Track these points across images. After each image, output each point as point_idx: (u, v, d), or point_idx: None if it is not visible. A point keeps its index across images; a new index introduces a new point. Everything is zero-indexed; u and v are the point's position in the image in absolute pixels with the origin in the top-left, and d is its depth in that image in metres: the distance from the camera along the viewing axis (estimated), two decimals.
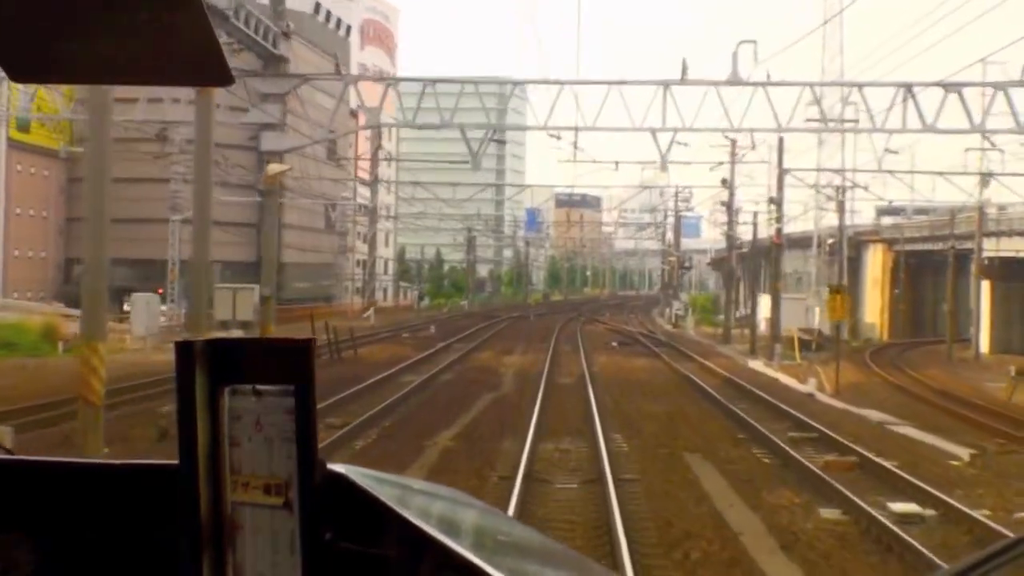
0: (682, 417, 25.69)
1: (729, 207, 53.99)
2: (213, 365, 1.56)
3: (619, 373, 36.99)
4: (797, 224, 77.90)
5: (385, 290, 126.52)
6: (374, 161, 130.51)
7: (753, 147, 43.40)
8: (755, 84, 27.98)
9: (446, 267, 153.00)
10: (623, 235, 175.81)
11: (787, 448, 20.45)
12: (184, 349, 1.57)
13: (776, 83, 28.09)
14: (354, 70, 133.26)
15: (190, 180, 54.68)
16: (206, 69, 1.42)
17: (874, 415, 27.14)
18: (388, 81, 32.74)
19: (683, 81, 27.91)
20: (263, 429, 1.55)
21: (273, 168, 27.46)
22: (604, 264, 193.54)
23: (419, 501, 1.64)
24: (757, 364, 42.77)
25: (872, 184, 51.28)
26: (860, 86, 27.61)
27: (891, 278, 79.31)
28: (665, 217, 78.95)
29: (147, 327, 45.27)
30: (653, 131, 28.80)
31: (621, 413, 26.15)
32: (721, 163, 51.67)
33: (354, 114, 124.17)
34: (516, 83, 28.19)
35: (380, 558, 1.54)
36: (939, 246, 70.19)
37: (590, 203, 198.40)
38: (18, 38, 1.37)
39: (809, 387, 32.51)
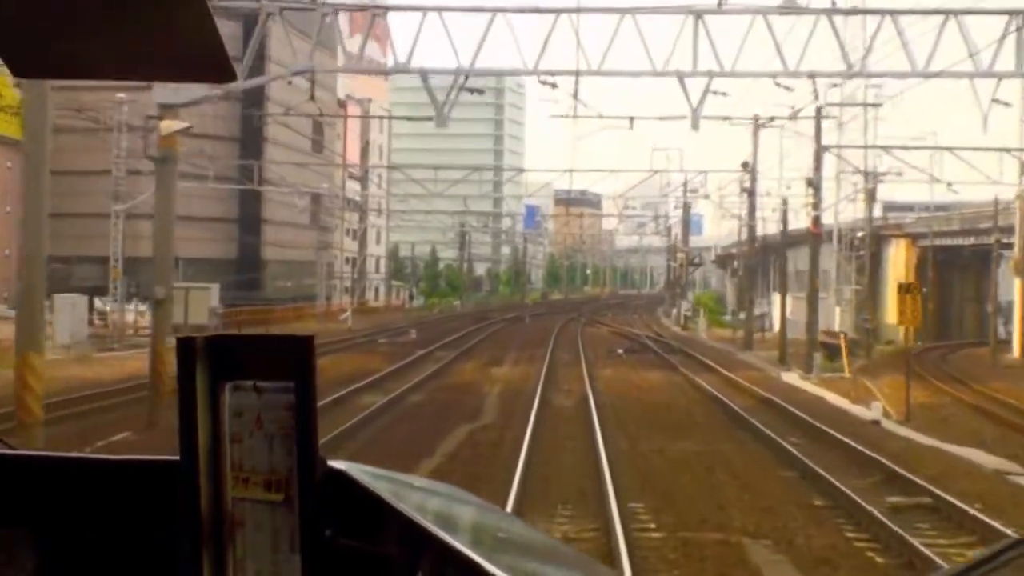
0: (723, 464, 18.43)
1: (753, 187, 46.68)
2: (214, 361, 1.57)
3: (630, 392, 29.77)
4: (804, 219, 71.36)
5: (377, 289, 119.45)
6: (364, 154, 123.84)
7: (787, 120, 36.00)
8: (817, 12, 20.70)
9: (442, 265, 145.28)
10: (625, 231, 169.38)
11: (897, 529, 13.23)
12: (185, 345, 1.57)
13: (845, 11, 20.94)
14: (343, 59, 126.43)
15: (141, 171, 48.81)
16: (208, 65, 1.41)
17: (979, 457, 19.88)
18: (374, 10, 25.21)
19: (720, 9, 20.65)
20: (264, 425, 1.54)
21: (168, 126, 20.13)
22: (604, 262, 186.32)
23: (419, 498, 1.64)
24: (791, 377, 35.51)
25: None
26: (958, 13, 20.19)
27: (916, 276, 73.13)
28: (673, 207, 71.52)
29: (72, 334, 38.04)
30: (680, 75, 21.34)
31: (640, 460, 18.84)
32: (772, 119, 42.55)
33: (343, 104, 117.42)
34: (496, 11, 20.81)
35: (380, 555, 1.54)
36: (970, 240, 64.13)
37: (590, 200, 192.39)
38: (21, 35, 1.36)
39: (872, 412, 25.23)
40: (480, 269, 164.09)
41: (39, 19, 1.32)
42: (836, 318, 61.11)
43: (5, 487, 1.74)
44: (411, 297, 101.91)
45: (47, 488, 1.75)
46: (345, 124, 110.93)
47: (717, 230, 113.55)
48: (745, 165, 46.13)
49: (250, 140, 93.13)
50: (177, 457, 1.59)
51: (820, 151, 36.14)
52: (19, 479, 1.77)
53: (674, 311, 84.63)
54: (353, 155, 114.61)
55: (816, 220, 35.65)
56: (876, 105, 46.81)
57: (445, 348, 43.37)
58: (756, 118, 45.49)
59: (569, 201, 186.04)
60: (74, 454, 1.85)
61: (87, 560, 1.73)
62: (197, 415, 1.56)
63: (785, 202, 47.77)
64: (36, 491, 1.76)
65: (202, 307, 45.29)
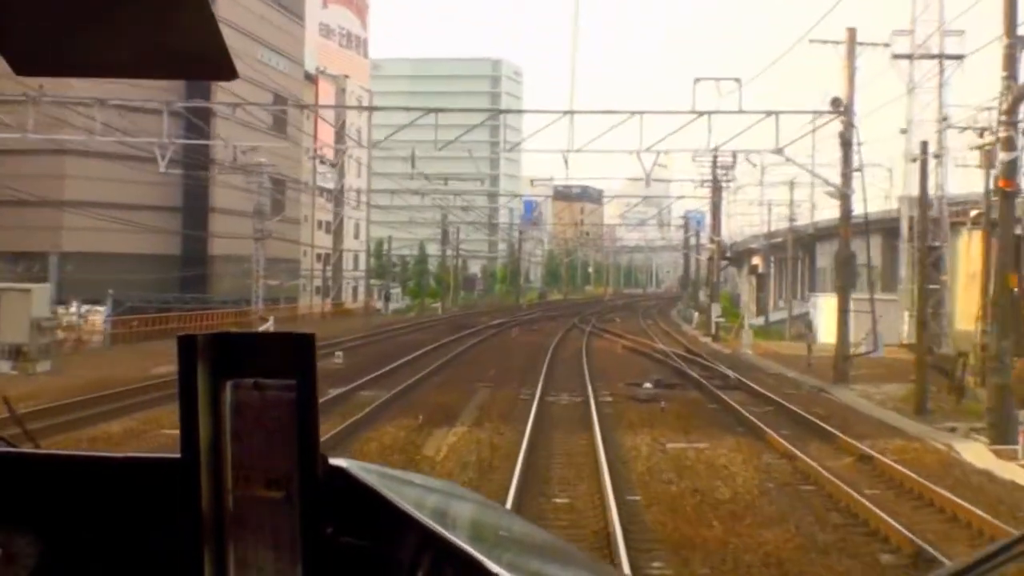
0: None
1: (850, 134, 30.08)
2: (215, 359, 1.54)
3: (717, 536, 13.28)
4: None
5: (355, 289, 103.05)
6: (339, 136, 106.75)
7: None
8: None
9: (433, 263, 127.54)
10: (630, 225, 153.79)
11: None
12: (186, 343, 1.54)
13: None
14: (314, 31, 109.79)
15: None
16: (209, 63, 1.40)
17: None
18: None
19: None
20: (264, 423, 1.52)
21: None
22: (607, 260, 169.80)
23: (420, 495, 1.62)
24: (987, 459, 18.83)
25: None
26: None
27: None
28: (702, 184, 54.98)
29: None
30: None
31: None
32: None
33: (312, 78, 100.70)
34: None
35: (381, 552, 1.53)
36: None
37: (591, 196, 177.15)
38: (22, 32, 1.36)
39: None
40: (476, 266, 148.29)
41: (40, 17, 1.31)
42: (904, 326, 46.13)
43: (6, 486, 1.72)
44: (386, 298, 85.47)
45: (48, 486, 1.72)
46: (316, 101, 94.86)
47: (726, 226, 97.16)
48: (836, 103, 29.73)
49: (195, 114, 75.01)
50: (178, 455, 1.56)
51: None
52: (20, 478, 1.74)
53: (696, 315, 68.35)
54: (328, 140, 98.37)
55: (1010, 169, 19.46)
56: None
57: (376, 385, 26.99)
58: (851, 32, 29.50)
59: (569, 196, 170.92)
60: (75, 452, 1.84)
61: (88, 558, 1.70)
62: (198, 413, 1.53)
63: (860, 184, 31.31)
64: (37, 489, 1.73)
65: (19, 317, 29.20)
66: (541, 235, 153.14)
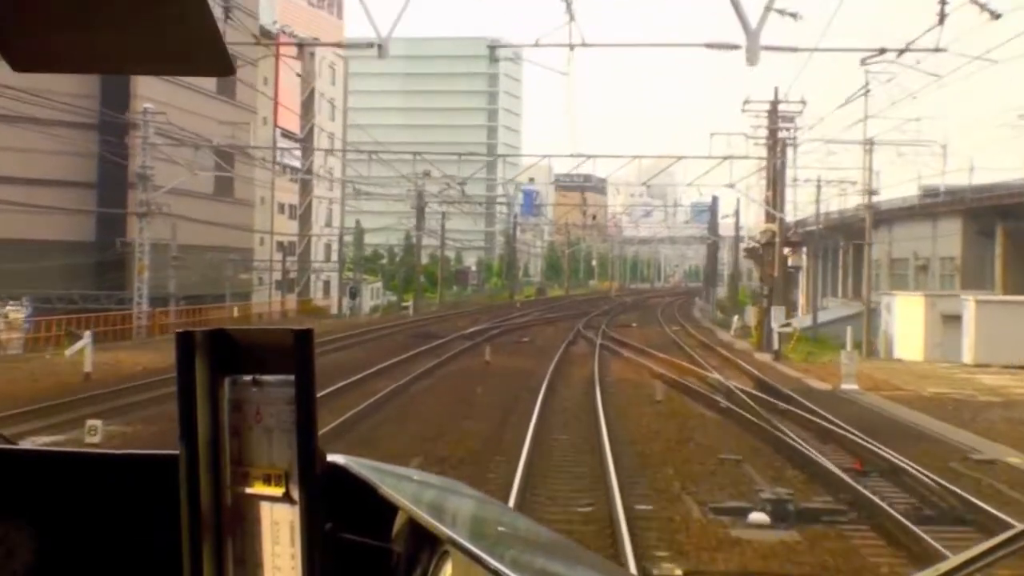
0: None
1: None
2: (214, 355, 1.51)
3: None
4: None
5: (328, 284, 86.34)
6: (307, 108, 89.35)
7: None
8: None
9: (426, 255, 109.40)
10: (639, 212, 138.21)
11: None
12: (185, 339, 1.51)
13: None
14: None
15: None
16: (207, 58, 1.35)
17: None
18: None
19: None
20: (263, 419, 1.49)
21: None
22: (613, 253, 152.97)
23: (419, 491, 1.58)
24: None
25: None
26: None
27: None
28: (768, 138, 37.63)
29: None
30: None
31: None
32: None
33: (267, 35, 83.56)
34: None
35: (380, 548, 1.50)
36: None
37: (595, 185, 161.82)
38: (18, 28, 1.32)
39: None
40: (472, 259, 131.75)
41: (37, 12, 1.27)
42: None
43: (4, 482, 1.68)
44: (351, 295, 68.83)
45: (47, 483, 1.68)
46: (277, 64, 78.10)
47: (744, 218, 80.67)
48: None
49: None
50: (177, 451, 1.53)
51: None
52: (18, 474, 1.70)
53: (735, 318, 51.75)
54: (292, 112, 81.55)
55: None
56: None
57: None
58: None
59: (571, 186, 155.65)
60: (74, 449, 1.79)
61: (87, 554, 1.66)
62: (196, 409, 1.50)
63: None
64: (36, 486, 1.68)
65: None
66: (541, 226, 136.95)
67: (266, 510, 1.48)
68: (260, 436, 1.48)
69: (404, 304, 68.92)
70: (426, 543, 1.42)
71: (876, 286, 60.81)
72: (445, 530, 1.38)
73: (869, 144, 41.21)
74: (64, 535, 1.66)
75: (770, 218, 38.60)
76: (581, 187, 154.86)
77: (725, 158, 36.37)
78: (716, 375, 27.01)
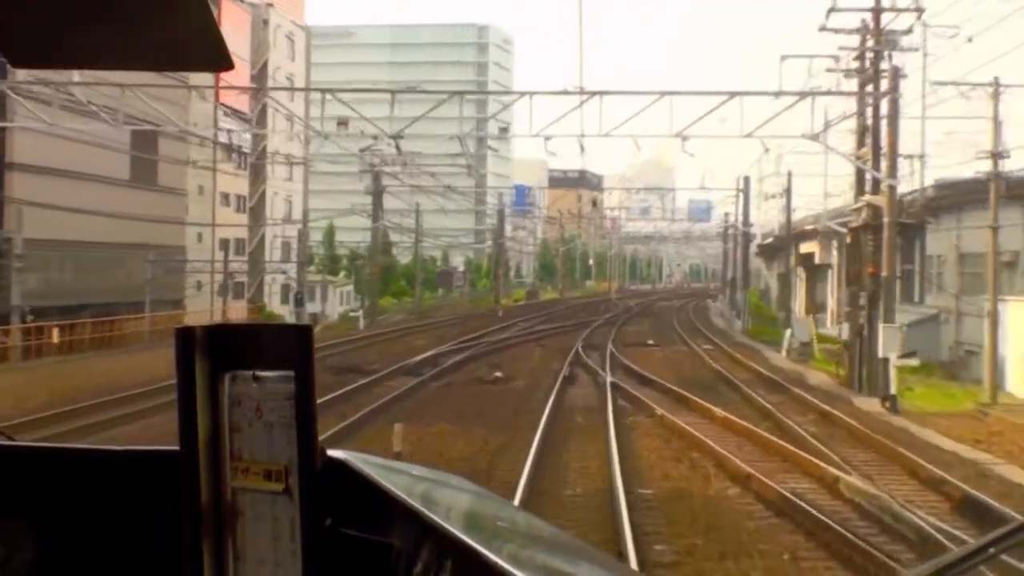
0: None
1: None
2: (213, 351, 1.50)
3: None
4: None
5: (287, 287, 72.40)
6: (260, 79, 74.98)
7: None
8: None
9: (406, 254, 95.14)
10: (637, 207, 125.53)
11: None
12: (184, 335, 1.50)
13: None
14: None
15: None
16: (205, 54, 1.35)
17: None
18: None
19: None
20: (263, 415, 1.48)
21: None
22: (611, 250, 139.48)
23: (419, 487, 1.56)
24: None
25: None
26: None
27: None
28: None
29: None
30: None
31: None
32: None
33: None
34: None
35: (380, 544, 1.47)
36: None
37: (590, 181, 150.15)
38: (18, 24, 1.31)
39: None
40: (460, 259, 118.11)
41: (36, 8, 1.26)
42: None
43: (5, 478, 1.66)
44: (298, 303, 55.14)
45: (47, 479, 1.67)
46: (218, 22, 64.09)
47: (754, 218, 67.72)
48: None
49: None
50: (177, 447, 1.52)
51: None
52: (19, 470, 1.68)
53: (787, 333, 38.13)
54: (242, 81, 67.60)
55: None
56: None
57: None
58: None
59: (565, 182, 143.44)
60: (74, 445, 1.77)
61: (87, 551, 1.64)
62: (196, 405, 1.48)
63: None
64: (36, 482, 1.67)
65: None
66: (534, 220, 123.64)
67: (267, 506, 1.45)
68: (260, 432, 1.45)
69: (354, 314, 55.05)
70: (426, 538, 1.38)
71: (935, 287, 47.41)
72: (445, 525, 1.36)
73: (995, 86, 27.61)
74: (64, 531, 1.63)
75: (861, 189, 24.85)
76: (576, 183, 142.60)
77: (805, 94, 22.64)
78: (856, 481, 13.28)
